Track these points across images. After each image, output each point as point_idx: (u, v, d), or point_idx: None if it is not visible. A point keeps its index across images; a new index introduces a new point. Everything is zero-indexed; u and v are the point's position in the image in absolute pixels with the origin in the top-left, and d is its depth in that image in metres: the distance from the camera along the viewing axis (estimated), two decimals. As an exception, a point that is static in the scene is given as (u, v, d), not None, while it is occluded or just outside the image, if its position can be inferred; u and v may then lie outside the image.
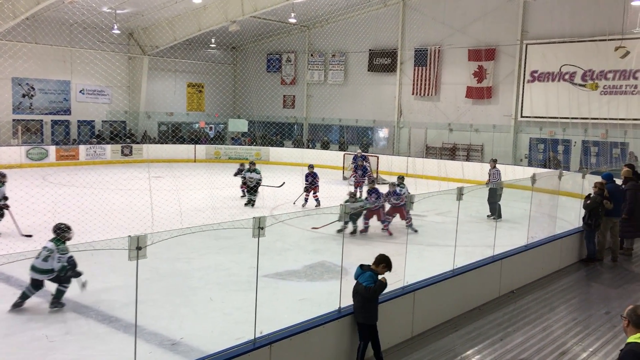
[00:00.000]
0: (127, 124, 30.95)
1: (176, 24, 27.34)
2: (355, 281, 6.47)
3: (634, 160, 19.77)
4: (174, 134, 30.76)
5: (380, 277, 6.41)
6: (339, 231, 12.35)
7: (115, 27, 25.85)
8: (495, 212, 14.38)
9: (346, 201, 13.16)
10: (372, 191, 14.02)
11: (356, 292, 6.38)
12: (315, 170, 16.87)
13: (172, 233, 4.86)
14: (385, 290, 6.53)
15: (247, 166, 17.30)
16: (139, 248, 4.58)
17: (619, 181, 12.43)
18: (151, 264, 9.14)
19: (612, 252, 11.68)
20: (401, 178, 14.70)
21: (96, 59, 27.75)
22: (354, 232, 13.05)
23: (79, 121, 29.08)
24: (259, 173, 16.60)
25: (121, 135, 29.07)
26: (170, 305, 8.36)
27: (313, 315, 6.37)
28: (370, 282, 6.31)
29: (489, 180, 16.03)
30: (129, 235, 4.61)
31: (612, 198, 11.40)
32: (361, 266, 6.54)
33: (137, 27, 28.82)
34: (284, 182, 17.51)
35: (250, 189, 16.54)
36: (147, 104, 31.10)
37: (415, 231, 13.31)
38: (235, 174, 18.28)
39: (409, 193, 13.90)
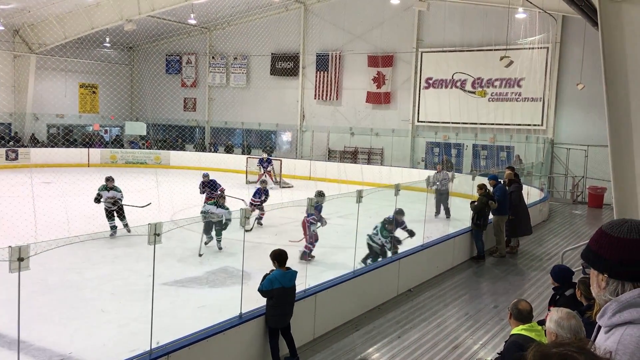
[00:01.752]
0: (13, 126, 28.78)
1: (66, 21, 25.77)
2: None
3: (518, 163, 21.22)
4: (65, 137, 29.00)
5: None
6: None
7: (-2, 22, 24.03)
8: (444, 212, 15.61)
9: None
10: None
11: (288, 297, 6.64)
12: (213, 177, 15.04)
13: (59, 242, 4.57)
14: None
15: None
16: (20, 259, 4.27)
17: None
18: (38, 276, 8.59)
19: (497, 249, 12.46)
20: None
21: (-24, 56, 25.59)
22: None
23: (-44, 123, 26.72)
24: (119, 191, 13.50)
25: (6, 139, 26.98)
26: (60, 318, 7.87)
27: (213, 323, 6.25)
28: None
29: (438, 184, 16.28)
30: (10, 246, 4.29)
31: (499, 198, 12.16)
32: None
33: (23, 24, 26.85)
34: (149, 203, 14.17)
35: (109, 213, 13.30)
36: (34, 105, 29.02)
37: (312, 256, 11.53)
38: (96, 199, 13.51)
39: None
